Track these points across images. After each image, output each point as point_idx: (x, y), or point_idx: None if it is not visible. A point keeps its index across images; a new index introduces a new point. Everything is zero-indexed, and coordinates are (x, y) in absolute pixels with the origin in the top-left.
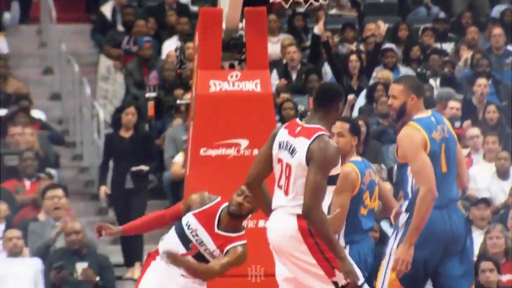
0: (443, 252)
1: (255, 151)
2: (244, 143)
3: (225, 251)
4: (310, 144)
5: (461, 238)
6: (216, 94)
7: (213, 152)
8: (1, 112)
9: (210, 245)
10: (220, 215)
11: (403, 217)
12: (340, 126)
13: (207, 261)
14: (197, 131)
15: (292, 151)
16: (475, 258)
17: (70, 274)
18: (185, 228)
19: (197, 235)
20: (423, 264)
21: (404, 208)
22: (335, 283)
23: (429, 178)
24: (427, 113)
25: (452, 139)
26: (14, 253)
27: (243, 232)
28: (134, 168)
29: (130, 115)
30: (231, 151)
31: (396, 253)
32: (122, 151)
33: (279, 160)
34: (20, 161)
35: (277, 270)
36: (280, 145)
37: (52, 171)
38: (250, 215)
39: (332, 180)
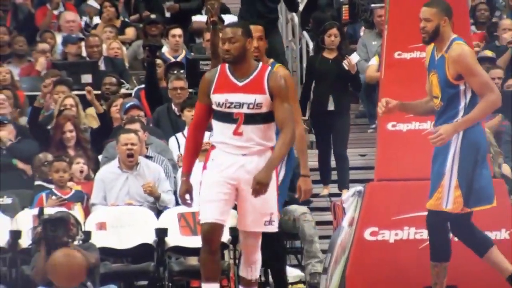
0: None
1: None
2: None
3: (266, 89)
4: None
5: None
6: None
7: (407, 55)
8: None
9: (248, 97)
10: (230, 71)
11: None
12: None
13: (256, 118)
14: (392, 34)
15: None
16: None
17: None
18: (218, 108)
19: (231, 103)
20: None
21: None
22: None
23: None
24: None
25: None
26: None
27: (260, 64)
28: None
29: (333, 37)
30: None
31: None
32: (325, 73)
33: None
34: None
35: None
36: None
37: None
38: (248, 49)
39: None
